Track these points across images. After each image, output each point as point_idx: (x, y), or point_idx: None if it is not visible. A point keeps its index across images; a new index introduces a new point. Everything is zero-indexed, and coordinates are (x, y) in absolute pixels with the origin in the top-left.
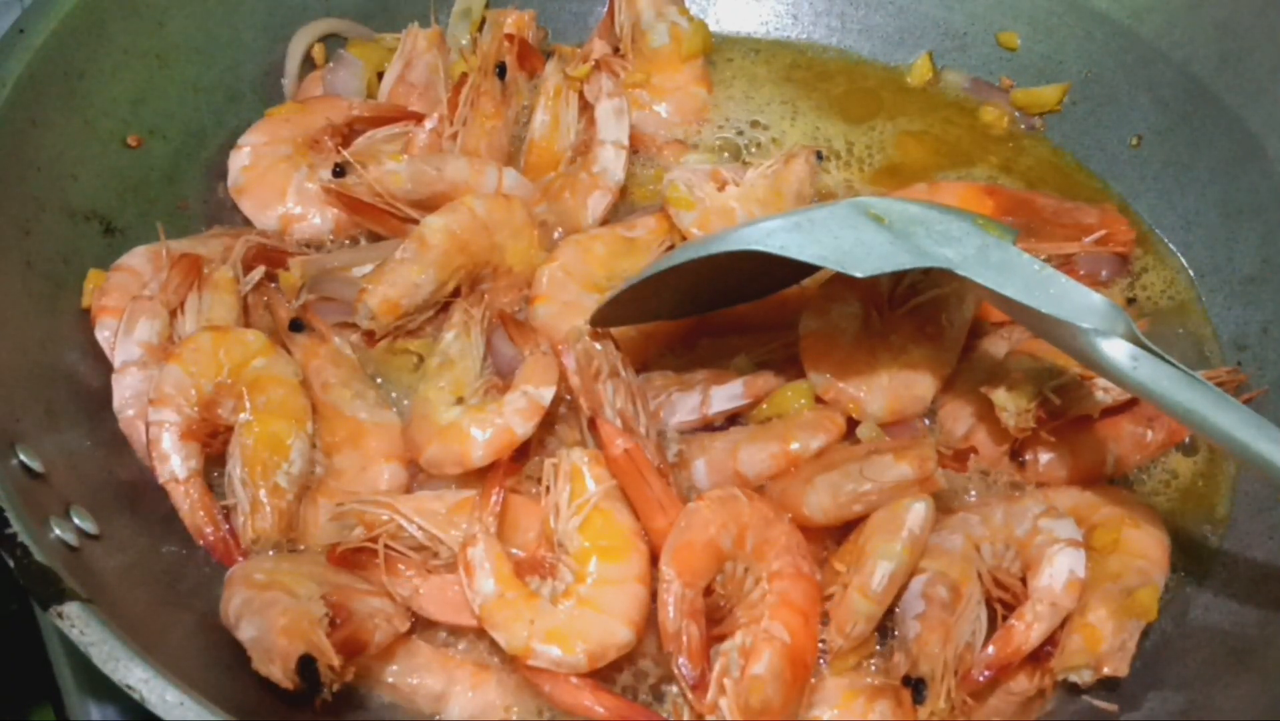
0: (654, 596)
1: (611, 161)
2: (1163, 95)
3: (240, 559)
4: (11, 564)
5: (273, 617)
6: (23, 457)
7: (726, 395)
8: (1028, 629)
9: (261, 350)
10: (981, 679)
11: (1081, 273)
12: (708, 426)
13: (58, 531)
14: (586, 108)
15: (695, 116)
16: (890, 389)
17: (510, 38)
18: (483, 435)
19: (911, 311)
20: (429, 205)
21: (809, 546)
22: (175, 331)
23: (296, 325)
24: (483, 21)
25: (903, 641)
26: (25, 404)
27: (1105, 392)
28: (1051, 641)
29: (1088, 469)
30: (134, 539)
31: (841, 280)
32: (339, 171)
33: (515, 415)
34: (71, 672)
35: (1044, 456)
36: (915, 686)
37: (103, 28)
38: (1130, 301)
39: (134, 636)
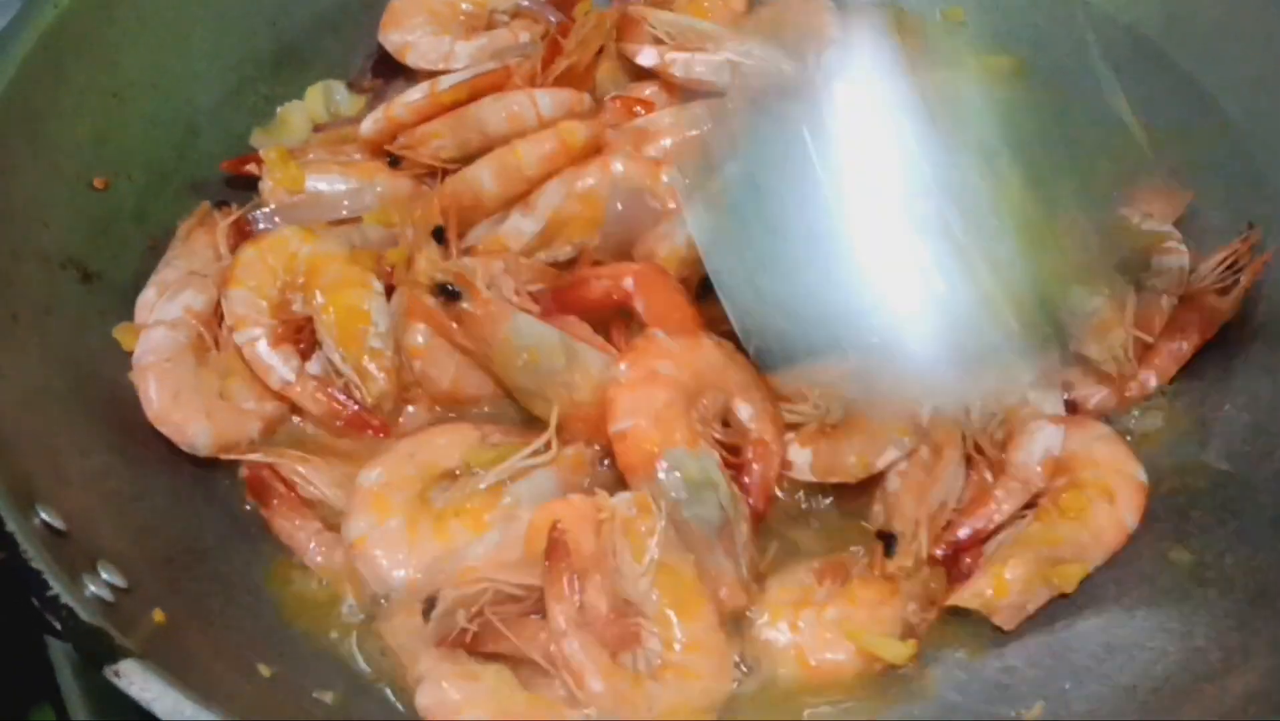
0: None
1: None
2: (1112, 59)
3: (380, 430)
4: (58, 627)
5: None
6: (44, 516)
7: None
8: (997, 505)
9: (302, 238)
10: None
11: None
12: None
13: (92, 588)
14: None
15: None
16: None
17: None
18: None
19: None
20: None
21: None
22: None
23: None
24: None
25: (883, 494)
26: (37, 461)
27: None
28: (975, 555)
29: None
30: (160, 583)
31: None
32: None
33: None
34: (71, 672)
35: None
36: (887, 540)
37: (60, 69)
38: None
39: (184, 681)
